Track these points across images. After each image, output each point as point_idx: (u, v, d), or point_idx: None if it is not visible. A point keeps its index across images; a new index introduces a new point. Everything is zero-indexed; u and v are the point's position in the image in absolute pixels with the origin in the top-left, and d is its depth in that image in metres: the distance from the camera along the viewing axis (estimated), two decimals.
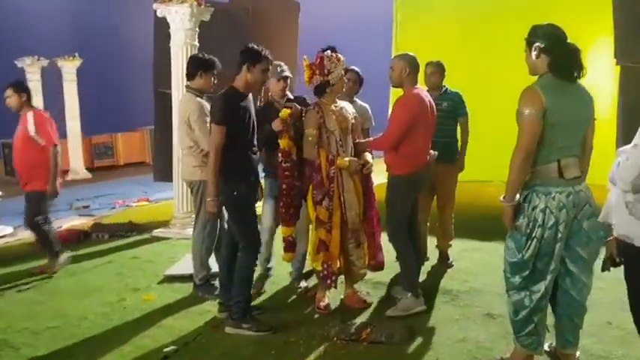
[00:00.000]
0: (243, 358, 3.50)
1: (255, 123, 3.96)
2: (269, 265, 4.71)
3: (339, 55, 4.06)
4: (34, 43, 12.43)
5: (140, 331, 3.95)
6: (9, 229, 7.35)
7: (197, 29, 6.56)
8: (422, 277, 4.40)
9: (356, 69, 4.86)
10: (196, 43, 6.55)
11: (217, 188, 3.79)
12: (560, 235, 2.93)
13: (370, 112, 5.05)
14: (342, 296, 4.35)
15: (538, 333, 3.09)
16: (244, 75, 3.82)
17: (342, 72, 4.10)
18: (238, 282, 3.90)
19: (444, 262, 5.17)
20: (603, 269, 2.85)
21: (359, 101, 4.96)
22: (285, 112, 4.07)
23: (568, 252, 3.02)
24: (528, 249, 2.96)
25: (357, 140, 4.24)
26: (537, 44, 2.94)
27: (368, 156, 4.23)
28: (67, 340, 3.85)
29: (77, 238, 6.73)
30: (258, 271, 4.29)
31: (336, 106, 4.15)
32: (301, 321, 4.02)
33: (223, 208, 4.05)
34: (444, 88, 5.08)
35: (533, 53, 2.96)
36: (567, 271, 3.06)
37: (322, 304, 4.21)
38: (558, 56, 2.93)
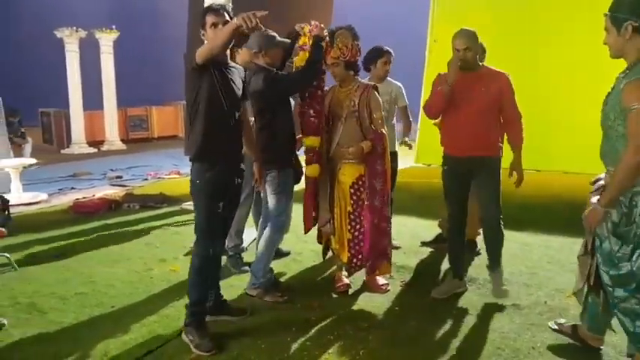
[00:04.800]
0: (261, 330, 3.50)
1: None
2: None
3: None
4: (73, 14, 12.61)
5: (165, 301, 3.99)
6: (44, 196, 7.53)
7: (231, 2, 6.48)
8: (448, 265, 4.32)
9: (387, 49, 4.75)
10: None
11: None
12: None
13: (403, 90, 4.97)
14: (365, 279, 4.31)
15: None
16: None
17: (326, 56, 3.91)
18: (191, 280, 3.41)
19: (471, 251, 5.08)
20: None
21: (391, 80, 4.90)
22: None
23: None
24: (638, 258, 2.56)
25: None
26: (630, 22, 2.47)
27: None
28: (94, 307, 3.90)
29: (109, 207, 6.87)
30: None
31: (341, 90, 4.06)
32: (322, 302, 3.97)
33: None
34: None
35: (624, 32, 2.49)
36: None
37: (339, 284, 4.17)
38: None
